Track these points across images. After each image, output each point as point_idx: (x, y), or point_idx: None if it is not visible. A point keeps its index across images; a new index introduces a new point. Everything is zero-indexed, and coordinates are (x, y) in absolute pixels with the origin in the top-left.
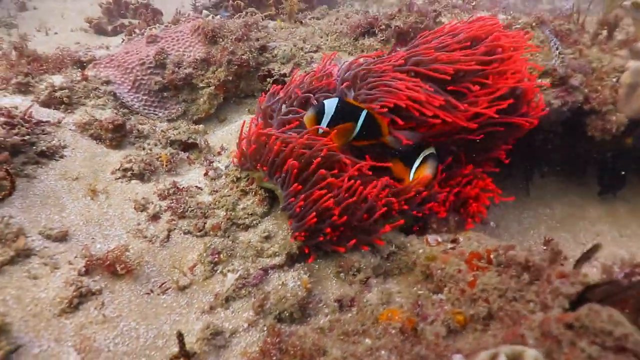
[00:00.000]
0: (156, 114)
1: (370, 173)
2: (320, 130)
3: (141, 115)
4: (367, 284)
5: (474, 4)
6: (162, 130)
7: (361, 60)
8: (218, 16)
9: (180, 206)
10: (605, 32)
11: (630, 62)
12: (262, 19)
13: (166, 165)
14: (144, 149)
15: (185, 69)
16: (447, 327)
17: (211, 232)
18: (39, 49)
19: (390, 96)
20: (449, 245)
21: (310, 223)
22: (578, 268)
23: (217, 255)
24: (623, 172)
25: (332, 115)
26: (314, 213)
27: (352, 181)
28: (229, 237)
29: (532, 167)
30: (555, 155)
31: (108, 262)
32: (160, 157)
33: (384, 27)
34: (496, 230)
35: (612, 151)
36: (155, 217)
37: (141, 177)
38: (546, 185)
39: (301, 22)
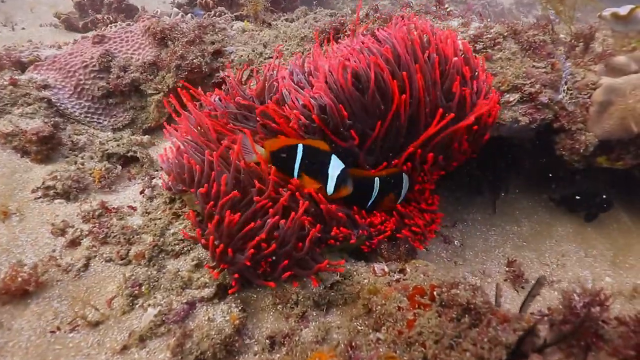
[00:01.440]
0: (100, 123)
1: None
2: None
3: (82, 124)
4: (304, 317)
5: (448, 9)
6: (100, 142)
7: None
8: (189, 15)
9: (103, 231)
10: (581, 45)
11: (603, 79)
12: (232, 19)
13: (99, 182)
14: (75, 163)
15: (131, 73)
16: None
17: (134, 261)
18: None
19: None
20: (396, 276)
21: (217, 252)
22: (524, 310)
23: (137, 287)
24: (604, 196)
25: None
26: (222, 245)
27: (265, 201)
28: (154, 266)
29: (499, 184)
30: (525, 172)
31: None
32: (93, 172)
33: (349, 32)
34: (460, 250)
35: (583, 170)
36: (74, 243)
37: (66, 196)
38: (516, 202)
39: (269, 24)
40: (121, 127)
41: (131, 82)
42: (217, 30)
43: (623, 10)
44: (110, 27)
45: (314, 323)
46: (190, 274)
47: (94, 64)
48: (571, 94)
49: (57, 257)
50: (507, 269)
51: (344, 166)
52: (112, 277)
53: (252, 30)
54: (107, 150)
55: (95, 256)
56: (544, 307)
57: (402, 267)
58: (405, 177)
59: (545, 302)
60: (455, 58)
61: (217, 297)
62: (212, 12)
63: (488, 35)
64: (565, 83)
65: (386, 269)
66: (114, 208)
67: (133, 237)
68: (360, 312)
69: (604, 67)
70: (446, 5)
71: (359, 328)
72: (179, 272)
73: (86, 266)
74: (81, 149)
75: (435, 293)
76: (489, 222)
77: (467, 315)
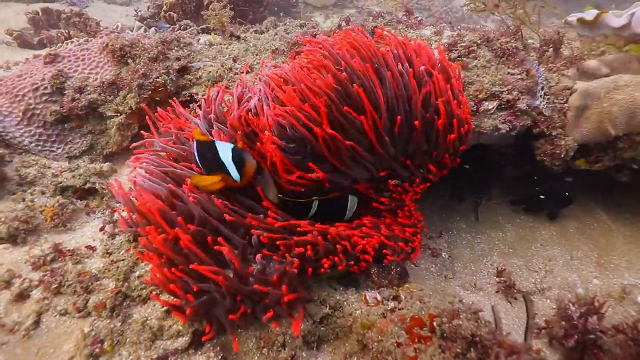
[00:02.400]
0: (53, 151)
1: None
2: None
3: (32, 153)
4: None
5: (419, 18)
6: (52, 174)
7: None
8: (152, 29)
9: (56, 279)
10: (551, 50)
11: (578, 84)
12: (199, 32)
13: (51, 221)
14: (23, 200)
15: (88, 94)
16: None
17: (94, 312)
18: None
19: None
20: (390, 305)
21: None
22: (529, 336)
23: (99, 345)
24: (567, 194)
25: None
26: (174, 287)
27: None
28: (117, 316)
29: (481, 191)
30: (506, 177)
31: None
32: (44, 210)
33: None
34: (449, 262)
35: (560, 173)
36: (21, 297)
37: (13, 240)
38: (497, 207)
39: (238, 37)
40: (78, 154)
41: (88, 104)
42: (182, 45)
43: (589, 16)
44: (67, 44)
45: None
46: (160, 321)
47: (45, 86)
48: (548, 99)
49: (1, 316)
50: (497, 279)
51: (232, 146)
52: (69, 333)
53: (220, 44)
54: (60, 183)
55: (47, 310)
56: (539, 318)
57: (396, 294)
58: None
59: (539, 312)
60: (422, 67)
61: (192, 346)
62: (177, 25)
63: (462, 44)
64: (542, 89)
65: (379, 297)
66: (69, 250)
67: (92, 284)
68: (355, 349)
69: (576, 71)
70: (416, 15)
71: None
72: (148, 321)
73: (37, 323)
74: (31, 184)
75: (435, 324)
76: (473, 230)
77: (472, 350)
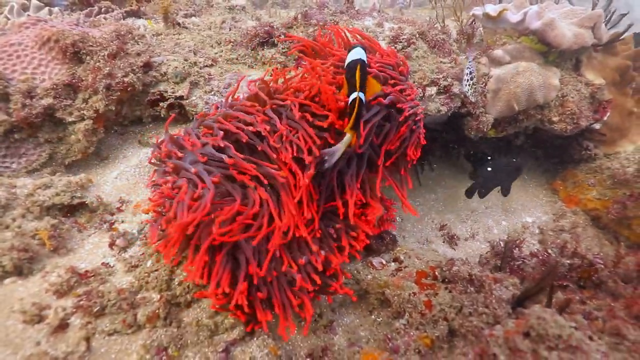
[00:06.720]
0: (8, 167)
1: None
2: None
3: None
4: (331, 327)
5: (357, 9)
6: (27, 193)
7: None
8: (56, 9)
9: (95, 301)
10: (464, 41)
11: (492, 70)
12: (124, 16)
13: (50, 244)
14: (7, 227)
15: (41, 99)
16: (419, 353)
17: (148, 325)
18: None
19: None
20: (393, 266)
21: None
22: (504, 269)
23: (164, 353)
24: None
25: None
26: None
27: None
28: (170, 324)
29: (422, 159)
30: (437, 148)
31: None
32: (38, 234)
33: (283, 36)
34: (402, 223)
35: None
36: (61, 327)
37: (19, 271)
38: (427, 173)
39: (179, 25)
40: (38, 167)
41: (44, 110)
42: (136, 37)
43: (493, 12)
44: None
45: (340, 329)
46: (212, 319)
47: None
48: (475, 86)
49: (50, 351)
50: (441, 232)
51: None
52: (124, 350)
53: (168, 34)
54: (44, 202)
55: (94, 333)
56: (477, 257)
57: (396, 256)
58: None
59: (472, 252)
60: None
61: (247, 334)
62: (96, 7)
63: (404, 37)
64: (472, 78)
65: (384, 262)
66: (87, 272)
67: (134, 299)
68: (375, 305)
69: (487, 59)
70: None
71: (378, 320)
72: (201, 321)
73: (88, 348)
74: (4, 208)
75: (436, 273)
76: (412, 194)
77: (470, 285)
